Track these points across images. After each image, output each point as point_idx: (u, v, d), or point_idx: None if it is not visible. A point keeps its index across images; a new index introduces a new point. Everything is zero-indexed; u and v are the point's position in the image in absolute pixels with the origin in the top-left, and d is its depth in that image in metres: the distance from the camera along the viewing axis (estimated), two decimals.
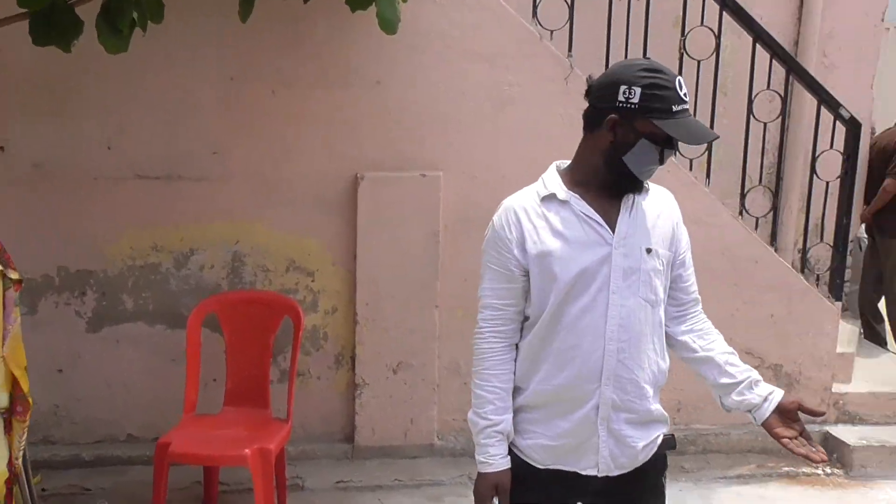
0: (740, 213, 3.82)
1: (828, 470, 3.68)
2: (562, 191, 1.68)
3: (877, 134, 5.20)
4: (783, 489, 3.56)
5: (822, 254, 4.14)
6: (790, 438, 1.68)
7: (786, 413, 1.71)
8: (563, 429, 1.70)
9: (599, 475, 1.72)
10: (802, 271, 3.96)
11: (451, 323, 3.50)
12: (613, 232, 1.66)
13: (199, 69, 3.31)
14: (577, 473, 1.73)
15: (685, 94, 1.60)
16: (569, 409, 1.69)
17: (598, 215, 1.66)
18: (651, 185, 1.74)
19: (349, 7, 2.72)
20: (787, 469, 3.67)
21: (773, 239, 3.97)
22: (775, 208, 4.00)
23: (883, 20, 4.72)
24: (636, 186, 1.68)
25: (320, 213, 3.45)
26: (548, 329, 1.67)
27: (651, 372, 1.72)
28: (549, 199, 1.68)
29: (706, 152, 3.74)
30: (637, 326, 1.67)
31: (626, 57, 3.30)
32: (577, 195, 1.67)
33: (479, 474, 1.73)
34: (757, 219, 3.90)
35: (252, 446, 2.79)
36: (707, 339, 1.80)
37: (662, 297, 1.73)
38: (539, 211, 1.67)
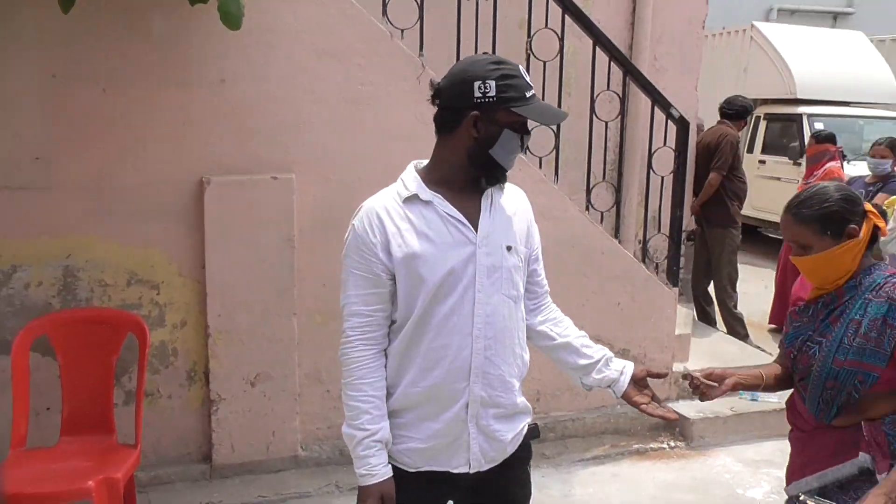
0: (587, 208, 4.02)
1: (672, 443, 4.00)
2: (424, 191, 1.66)
3: (703, 132, 5.69)
4: (634, 466, 3.81)
5: (659, 244, 4.45)
6: (646, 404, 1.83)
7: (638, 382, 1.86)
8: (433, 430, 1.69)
9: (471, 472, 1.73)
10: (643, 261, 4.24)
11: (311, 330, 3.40)
12: (476, 231, 1.67)
13: (16, 65, 2.99)
14: (449, 472, 1.73)
15: (530, 80, 1.65)
16: (439, 410, 1.69)
17: (461, 215, 1.66)
18: (506, 185, 1.78)
19: (188, 0, 2.57)
20: (637, 446, 3.94)
21: (616, 231, 4.23)
22: (618, 203, 4.24)
23: (703, 28, 5.16)
24: (502, 177, 1.72)
25: (163, 221, 3.24)
26: (415, 331, 1.66)
27: (517, 366, 1.76)
28: (412, 200, 1.66)
29: (554, 151, 3.89)
30: (502, 322, 1.70)
31: None
32: (439, 195, 1.67)
33: (362, 487, 1.68)
34: (602, 213, 4.13)
35: (96, 477, 2.61)
36: (561, 326, 1.90)
37: (522, 293, 1.77)
38: (402, 212, 1.65)
